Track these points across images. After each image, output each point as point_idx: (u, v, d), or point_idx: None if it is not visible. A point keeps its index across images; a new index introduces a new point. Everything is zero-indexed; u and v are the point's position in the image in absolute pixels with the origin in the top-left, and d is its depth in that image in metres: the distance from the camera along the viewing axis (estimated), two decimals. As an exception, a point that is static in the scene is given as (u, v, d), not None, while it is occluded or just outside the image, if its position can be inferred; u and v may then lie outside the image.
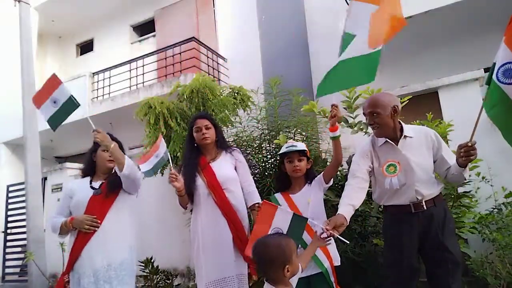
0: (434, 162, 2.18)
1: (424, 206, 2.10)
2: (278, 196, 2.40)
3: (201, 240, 2.43)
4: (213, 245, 2.39)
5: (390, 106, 2.13)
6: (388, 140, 2.18)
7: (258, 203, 2.46)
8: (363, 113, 2.26)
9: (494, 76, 1.77)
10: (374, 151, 2.26)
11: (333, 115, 2.17)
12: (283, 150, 2.39)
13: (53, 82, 2.40)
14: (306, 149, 2.36)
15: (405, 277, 2.11)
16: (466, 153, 1.89)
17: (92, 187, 2.44)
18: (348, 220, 1.95)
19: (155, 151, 2.52)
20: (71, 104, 2.37)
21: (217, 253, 2.37)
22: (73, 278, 2.28)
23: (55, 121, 2.40)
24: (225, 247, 2.37)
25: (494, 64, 1.78)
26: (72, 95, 2.39)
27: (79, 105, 2.40)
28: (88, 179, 2.52)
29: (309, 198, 2.29)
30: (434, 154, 2.17)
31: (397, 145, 2.17)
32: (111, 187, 2.41)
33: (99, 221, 2.31)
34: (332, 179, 2.35)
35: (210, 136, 2.52)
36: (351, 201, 2.04)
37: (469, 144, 1.88)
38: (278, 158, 4.04)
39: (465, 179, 2.10)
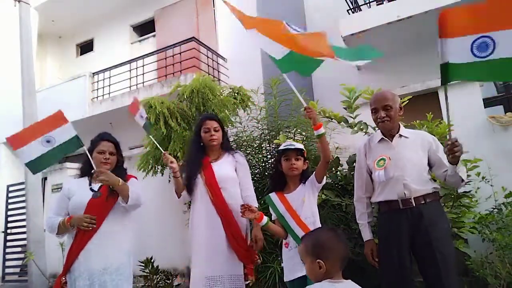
0: (432, 164, 2.22)
1: (413, 203, 2.11)
2: (273, 195, 2.41)
3: (195, 237, 2.47)
4: (205, 243, 2.41)
5: (398, 102, 2.26)
6: (384, 138, 2.27)
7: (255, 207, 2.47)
8: (373, 108, 2.28)
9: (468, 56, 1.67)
10: (370, 147, 2.34)
11: (309, 117, 2.22)
12: (281, 147, 2.42)
13: (57, 120, 2.22)
14: (304, 149, 2.39)
15: (398, 276, 2.12)
16: (450, 151, 1.93)
17: (91, 189, 2.40)
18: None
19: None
20: (72, 144, 2.23)
21: (209, 251, 2.39)
22: (70, 280, 2.26)
23: (42, 162, 2.17)
24: (217, 246, 2.39)
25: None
26: (77, 135, 2.26)
27: (83, 145, 2.31)
28: (86, 179, 2.48)
29: (304, 198, 2.31)
30: (431, 156, 2.21)
31: (391, 142, 2.25)
32: (112, 191, 2.38)
33: (95, 220, 2.28)
34: (324, 178, 2.36)
35: (218, 138, 2.59)
36: (366, 220, 2.36)
37: (449, 142, 1.92)
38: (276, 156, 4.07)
39: (463, 180, 2.11)
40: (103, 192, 2.38)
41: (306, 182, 2.37)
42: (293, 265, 2.22)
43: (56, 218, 2.38)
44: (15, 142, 2.12)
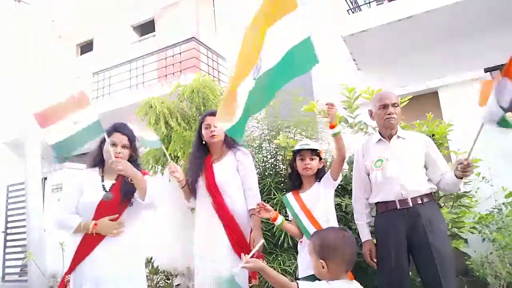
0: (427, 166, 2.25)
1: (410, 203, 2.13)
2: (289, 195, 2.42)
3: (197, 242, 2.44)
4: (207, 248, 2.37)
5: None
6: (382, 138, 2.32)
7: (253, 208, 2.39)
8: (382, 104, 2.27)
9: None
10: (367, 148, 2.38)
11: (328, 113, 2.19)
12: (296, 147, 2.43)
13: (81, 101, 1.98)
14: (319, 148, 2.40)
15: (396, 276, 2.13)
16: (463, 169, 1.99)
17: (103, 187, 2.26)
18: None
19: None
20: (94, 130, 2.01)
21: (211, 257, 2.34)
22: (74, 280, 2.16)
23: (68, 145, 1.96)
24: (219, 252, 2.33)
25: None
26: (99, 120, 2.03)
27: (104, 131, 2.12)
28: (97, 174, 2.32)
29: (319, 196, 2.32)
30: (426, 158, 2.25)
31: (389, 142, 2.30)
32: (125, 194, 2.23)
33: (124, 226, 2.17)
34: (340, 175, 2.36)
35: (219, 135, 2.51)
36: (364, 220, 2.38)
37: (465, 162, 1.97)
38: (279, 157, 4.07)
39: (459, 190, 2.20)
40: (114, 194, 2.23)
41: (321, 180, 2.38)
42: (307, 263, 2.20)
43: (71, 217, 2.20)
44: (42, 119, 1.92)
